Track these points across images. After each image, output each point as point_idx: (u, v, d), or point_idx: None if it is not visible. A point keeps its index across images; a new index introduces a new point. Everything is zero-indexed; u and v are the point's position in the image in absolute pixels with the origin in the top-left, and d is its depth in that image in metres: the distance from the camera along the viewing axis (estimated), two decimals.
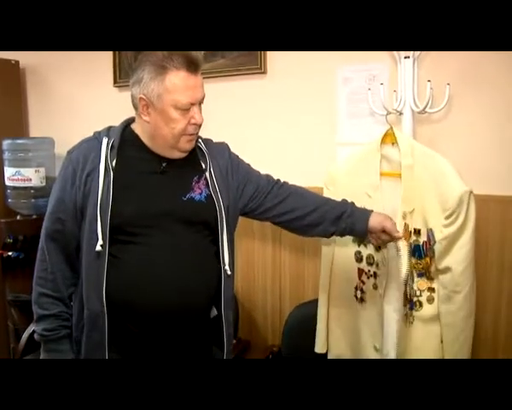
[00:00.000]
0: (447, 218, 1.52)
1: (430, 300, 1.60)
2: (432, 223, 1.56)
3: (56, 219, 1.33)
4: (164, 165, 1.35)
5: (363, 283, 1.72)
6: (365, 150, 1.72)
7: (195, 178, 1.39)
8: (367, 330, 1.72)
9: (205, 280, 1.37)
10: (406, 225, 1.58)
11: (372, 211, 1.51)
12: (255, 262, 2.31)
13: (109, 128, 1.40)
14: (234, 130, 2.31)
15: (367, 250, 1.71)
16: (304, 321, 2.00)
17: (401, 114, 1.80)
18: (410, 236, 1.59)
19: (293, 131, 2.21)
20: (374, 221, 1.47)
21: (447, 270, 1.55)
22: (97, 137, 1.37)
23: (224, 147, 1.52)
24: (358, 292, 1.74)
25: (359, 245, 1.73)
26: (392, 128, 1.66)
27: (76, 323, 1.35)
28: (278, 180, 1.56)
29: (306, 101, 2.16)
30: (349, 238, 1.70)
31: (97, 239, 1.27)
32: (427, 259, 1.58)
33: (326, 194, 1.73)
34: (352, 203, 1.52)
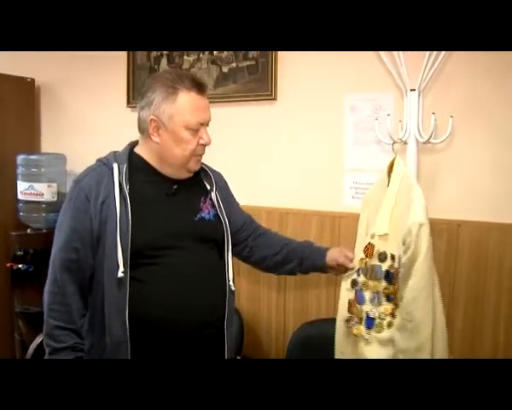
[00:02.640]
0: (402, 245, 1.57)
1: (390, 325, 1.60)
2: (400, 250, 1.59)
3: (72, 248, 1.33)
4: (175, 187, 1.42)
5: None
6: (380, 178, 1.77)
7: (202, 199, 1.47)
8: None
9: (220, 295, 1.43)
10: (371, 245, 1.64)
11: (327, 249, 1.66)
12: (260, 281, 2.35)
13: (114, 153, 1.43)
14: (243, 154, 2.38)
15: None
16: (308, 341, 2.05)
17: (406, 143, 1.88)
18: (372, 257, 1.63)
19: (302, 157, 2.27)
20: (329, 259, 1.63)
21: (403, 297, 1.58)
22: (106, 164, 1.39)
23: (220, 173, 1.62)
24: None
25: None
26: (396, 157, 1.72)
27: (94, 351, 1.35)
28: (254, 220, 1.71)
29: (315, 127, 2.22)
30: None
31: (118, 266, 1.29)
32: (397, 285, 1.59)
33: (361, 215, 1.79)
34: (311, 243, 1.68)
